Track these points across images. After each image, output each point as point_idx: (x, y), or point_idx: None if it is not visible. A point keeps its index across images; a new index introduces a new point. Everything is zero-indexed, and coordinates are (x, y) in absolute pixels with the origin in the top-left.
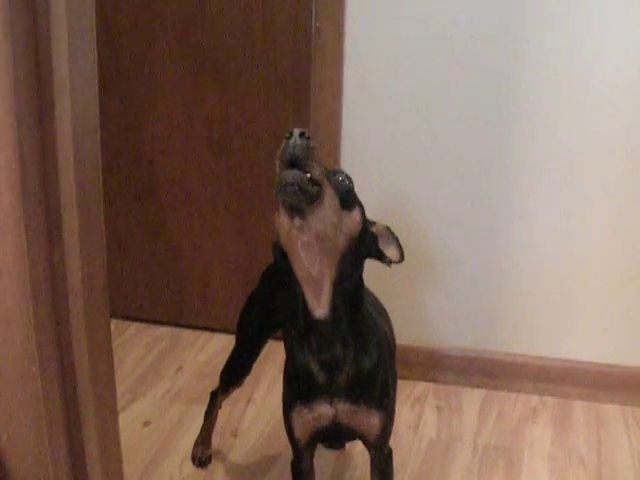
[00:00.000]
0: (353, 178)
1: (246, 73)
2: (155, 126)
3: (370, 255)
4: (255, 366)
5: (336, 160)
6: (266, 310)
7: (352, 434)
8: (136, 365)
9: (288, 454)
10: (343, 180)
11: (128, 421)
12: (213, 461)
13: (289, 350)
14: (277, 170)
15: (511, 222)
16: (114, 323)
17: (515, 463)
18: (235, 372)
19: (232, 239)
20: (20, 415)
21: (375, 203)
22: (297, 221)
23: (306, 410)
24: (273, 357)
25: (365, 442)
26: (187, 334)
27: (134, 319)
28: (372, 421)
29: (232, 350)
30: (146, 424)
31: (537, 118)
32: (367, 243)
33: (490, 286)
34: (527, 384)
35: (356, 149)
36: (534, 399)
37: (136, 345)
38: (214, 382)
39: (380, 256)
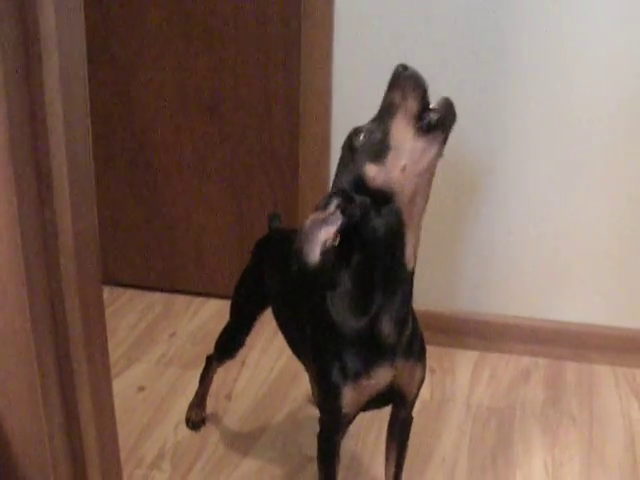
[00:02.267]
0: (345, 131)
1: (237, 38)
2: (146, 92)
3: None
4: None
5: (327, 121)
6: (258, 285)
7: (394, 396)
8: (130, 331)
9: (282, 416)
10: None
11: (123, 386)
12: (207, 424)
13: (334, 324)
14: (413, 97)
15: (503, 185)
16: (108, 290)
17: (507, 423)
18: (228, 345)
19: (225, 205)
20: (14, 373)
21: None
22: (437, 140)
23: (364, 380)
24: (267, 321)
25: (403, 401)
26: (181, 300)
27: (128, 286)
28: (418, 375)
29: (226, 324)
30: (141, 389)
31: (531, 94)
32: None
33: (482, 249)
34: (519, 345)
35: (347, 109)
36: (526, 360)
37: (130, 311)
38: (208, 347)
39: None
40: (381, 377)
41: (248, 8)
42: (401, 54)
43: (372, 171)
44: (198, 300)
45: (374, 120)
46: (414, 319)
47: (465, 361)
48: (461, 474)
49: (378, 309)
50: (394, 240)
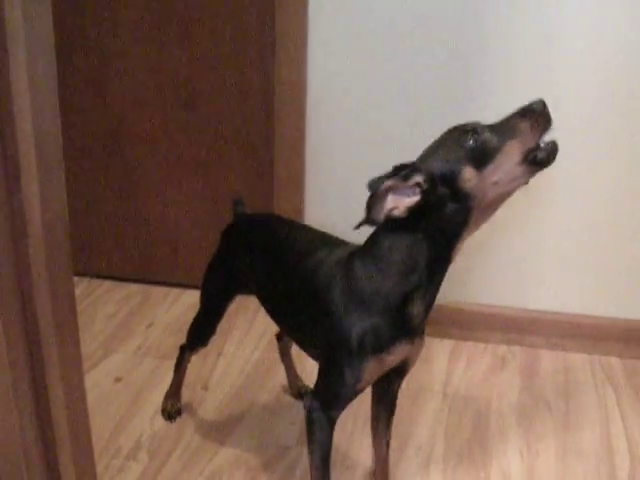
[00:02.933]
0: (319, 125)
1: (212, 29)
2: (122, 84)
3: None
4: (225, 320)
5: (301, 113)
6: (228, 273)
7: (399, 369)
8: (107, 322)
9: (258, 406)
10: None
11: (100, 377)
12: (184, 414)
13: (362, 304)
14: (537, 131)
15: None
16: (85, 281)
17: (483, 411)
18: (200, 334)
19: (200, 195)
20: None
21: (343, 148)
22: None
23: (385, 355)
24: (243, 311)
25: (403, 373)
26: (157, 291)
27: (105, 277)
28: (421, 349)
29: (197, 313)
30: (118, 380)
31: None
32: None
33: None
34: (495, 334)
35: (321, 101)
36: (502, 349)
37: (107, 303)
38: (185, 337)
39: None
40: (400, 353)
41: None
42: (375, 46)
43: (469, 174)
44: (175, 291)
45: (490, 129)
46: None
47: (441, 350)
48: (437, 462)
49: (414, 289)
50: (453, 235)
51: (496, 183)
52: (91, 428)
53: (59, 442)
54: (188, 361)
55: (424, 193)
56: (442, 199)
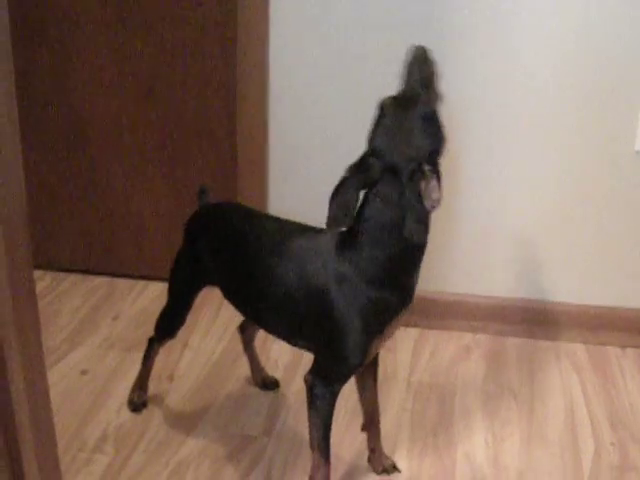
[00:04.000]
0: (281, 114)
1: (173, 20)
2: (83, 76)
3: None
4: (191, 312)
5: (263, 102)
6: (196, 264)
7: None
8: (73, 316)
9: (224, 397)
10: None
11: (66, 370)
12: (150, 406)
13: (357, 289)
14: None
15: (448, 157)
16: (50, 275)
17: (448, 399)
18: (169, 325)
19: (164, 187)
20: None
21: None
22: None
23: (388, 329)
24: (208, 303)
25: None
26: (122, 283)
27: (70, 271)
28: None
29: (165, 304)
30: (84, 372)
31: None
32: None
33: None
34: (461, 322)
35: (283, 91)
36: (467, 337)
37: (72, 296)
38: (150, 330)
39: None
40: (398, 324)
41: None
42: (337, 35)
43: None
44: (140, 283)
45: (424, 93)
46: None
47: (406, 339)
48: (402, 450)
49: (419, 256)
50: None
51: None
52: (57, 421)
53: (21, 436)
54: (156, 353)
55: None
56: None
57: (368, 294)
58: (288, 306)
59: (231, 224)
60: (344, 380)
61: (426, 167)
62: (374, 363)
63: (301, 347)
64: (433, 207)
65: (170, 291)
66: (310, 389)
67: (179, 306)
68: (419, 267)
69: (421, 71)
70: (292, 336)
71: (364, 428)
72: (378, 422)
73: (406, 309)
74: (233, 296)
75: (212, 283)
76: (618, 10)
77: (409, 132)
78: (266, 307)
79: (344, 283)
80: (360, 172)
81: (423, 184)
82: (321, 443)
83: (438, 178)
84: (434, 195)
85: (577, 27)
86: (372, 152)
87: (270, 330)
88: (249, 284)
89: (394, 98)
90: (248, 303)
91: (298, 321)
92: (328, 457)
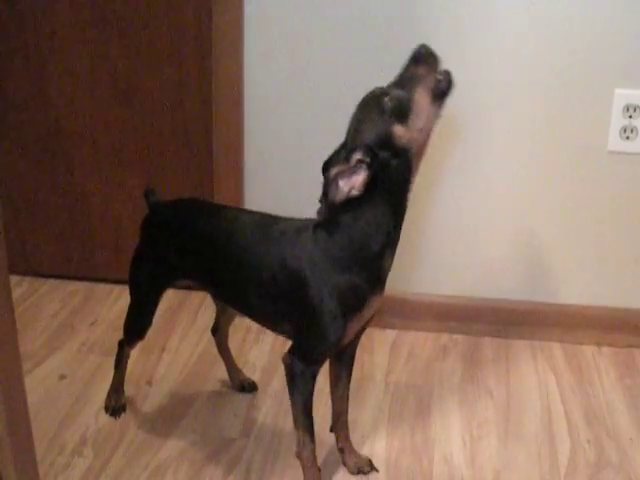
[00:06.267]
0: (257, 118)
1: (148, 25)
2: (59, 81)
3: None
4: (168, 315)
5: (239, 106)
6: (157, 264)
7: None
8: (50, 320)
9: (202, 400)
10: None
11: (44, 375)
12: (128, 410)
13: (331, 273)
14: (432, 70)
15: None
16: (28, 280)
17: (425, 399)
18: (135, 326)
19: (140, 191)
20: None
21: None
22: (438, 105)
23: (365, 310)
24: (186, 306)
25: (364, 328)
26: (100, 288)
27: (47, 276)
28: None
29: (130, 306)
30: (62, 377)
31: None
32: None
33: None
34: (437, 323)
35: (259, 94)
36: (444, 337)
37: (50, 301)
38: None
39: None
40: (375, 305)
41: None
42: (312, 38)
43: (400, 131)
44: (118, 288)
45: (395, 87)
46: None
47: (383, 340)
48: (380, 451)
49: (386, 244)
50: (404, 184)
51: (421, 129)
52: (36, 426)
53: None
54: (127, 356)
55: (369, 165)
56: (386, 161)
57: (337, 278)
58: (269, 290)
59: (203, 217)
60: (321, 359)
61: (355, 155)
62: (349, 360)
63: (281, 333)
64: (334, 198)
65: (133, 293)
66: (289, 368)
67: (145, 306)
68: (387, 254)
69: (410, 70)
70: (273, 320)
71: (332, 429)
72: (346, 422)
73: (379, 295)
74: (216, 288)
75: (180, 279)
76: (587, 10)
77: (360, 122)
78: (248, 293)
79: (316, 267)
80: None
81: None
82: (304, 421)
83: (354, 171)
84: (341, 183)
85: (545, 28)
86: (344, 143)
87: (253, 316)
88: (230, 272)
89: (367, 95)
90: (231, 291)
91: (278, 304)
92: (312, 434)
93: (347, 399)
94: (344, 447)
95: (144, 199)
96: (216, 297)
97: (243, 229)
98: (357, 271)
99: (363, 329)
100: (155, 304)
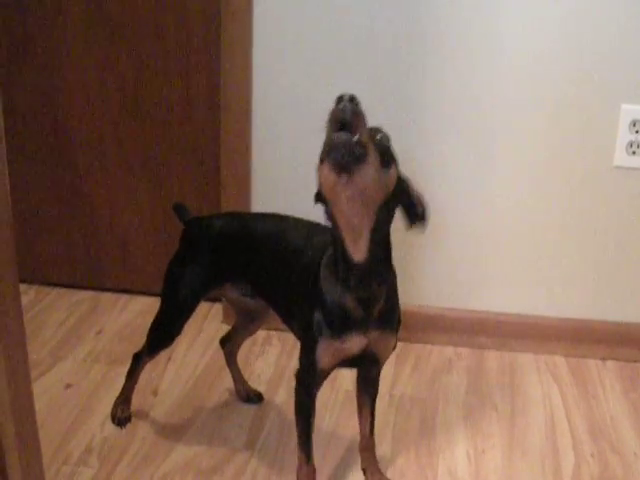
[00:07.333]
0: (265, 129)
1: (157, 36)
2: (68, 92)
3: (402, 204)
4: None
5: (247, 117)
6: (201, 272)
7: (369, 358)
8: (57, 329)
9: (208, 410)
10: (382, 139)
11: (50, 384)
12: (134, 420)
13: (320, 290)
14: (326, 131)
15: (426, 172)
16: (34, 289)
17: (430, 412)
18: (165, 335)
19: (149, 201)
20: None
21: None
22: (343, 178)
23: (337, 343)
24: (192, 317)
25: (376, 363)
26: (107, 297)
27: (54, 285)
28: (391, 343)
29: (159, 312)
30: (68, 386)
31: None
32: (400, 195)
33: (404, 241)
34: (442, 336)
35: (267, 106)
36: (449, 350)
37: (57, 310)
38: (134, 344)
39: (410, 205)
40: (354, 343)
41: (168, 6)
42: (321, 51)
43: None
44: (124, 297)
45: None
46: (390, 297)
47: None
48: (384, 463)
49: (342, 288)
50: (337, 234)
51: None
52: (42, 434)
53: (7, 449)
54: (142, 368)
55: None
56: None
57: (322, 307)
58: (295, 292)
59: (250, 224)
60: (311, 382)
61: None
62: (371, 389)
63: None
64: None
65: (168, 299)
66: (295, 389)
67: (180, 314)
68: (359, 296)
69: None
70: (296, 328)
71: (360, 449)
72: (371, 445)
73: (361, 332)
74: (259, 286)
75: (220, 285)
76: (595, 26)
77: None
78: (286, 295)
79: (326, 280)
80: None
81: None
82: (299, 440)
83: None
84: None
85: (553, 44)
86: None
87: (285, 317)
88: (274, 273)
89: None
90: (274, 292)
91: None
92: (309, 455)
93: (371, 424)
94: (366, 468)
95: (174, 213)
96: (257, 294)
97: (290, 233)
98: (328, 305)
99: (375, 363)
100: (192, 311)
